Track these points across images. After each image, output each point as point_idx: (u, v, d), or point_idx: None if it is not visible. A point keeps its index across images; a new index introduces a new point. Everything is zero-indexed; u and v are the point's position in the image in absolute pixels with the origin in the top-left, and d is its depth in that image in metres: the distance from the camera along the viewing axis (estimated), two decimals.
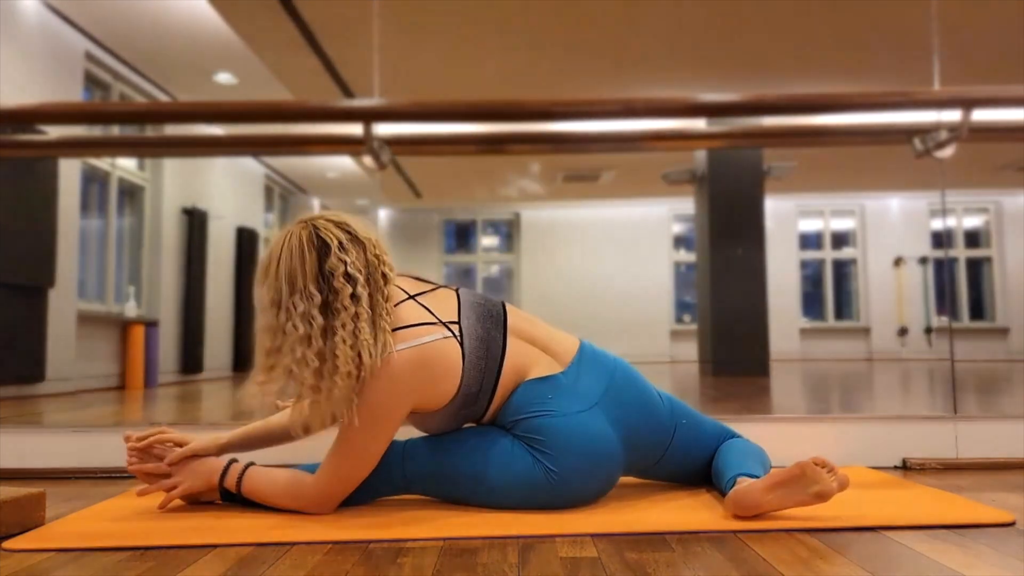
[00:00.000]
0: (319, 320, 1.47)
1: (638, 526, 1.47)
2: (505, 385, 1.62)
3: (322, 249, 1.49)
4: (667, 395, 1.78)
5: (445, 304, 1.63)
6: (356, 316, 1.47)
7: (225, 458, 1.66)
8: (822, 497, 1.46)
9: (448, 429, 1.65)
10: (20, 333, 4.83)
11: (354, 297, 1.48)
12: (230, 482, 1.62)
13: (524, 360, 1.64)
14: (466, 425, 1.68)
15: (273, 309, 1.49)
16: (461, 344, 1.58)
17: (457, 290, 1.69)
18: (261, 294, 1.51)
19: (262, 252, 9.69)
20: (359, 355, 1.46)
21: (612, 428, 1.61)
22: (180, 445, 1.67)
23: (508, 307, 1.70)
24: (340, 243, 1.50)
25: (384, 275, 1.54)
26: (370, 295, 1.50)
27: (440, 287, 1.69)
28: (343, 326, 1.47)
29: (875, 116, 2.69)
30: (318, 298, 1.47)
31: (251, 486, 1.60)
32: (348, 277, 1.49)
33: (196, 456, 1.66)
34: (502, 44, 5.76)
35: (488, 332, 1.62)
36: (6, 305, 4.71)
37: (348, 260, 1.49)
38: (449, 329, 1.58)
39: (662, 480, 1.85)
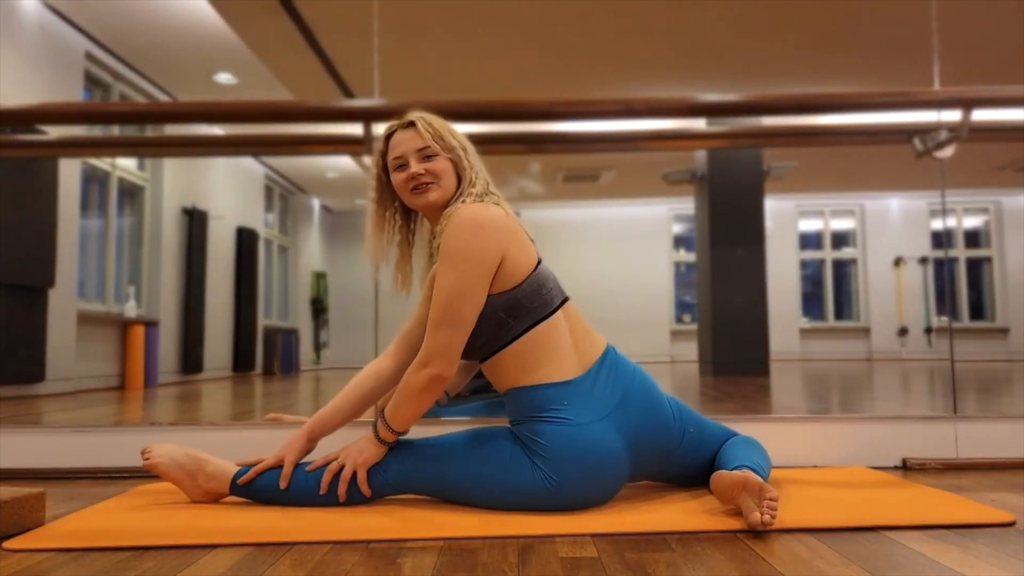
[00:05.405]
0: None
1: (638, 526, 1.47)
2: (527, 344, 1.62)
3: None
4: (675, 401, 1.78)
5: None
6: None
7: (368, 429, 1.69)
8: (751, 522, 1.41)
9: (480, 337, 1.64)
10: (20, 333, 4.83)
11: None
12: (384, 433, 1.65)
13: (555, 340, 1.64)
14: (470, 425, 1.69)
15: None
16: (539, 260, 1.71)
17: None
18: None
19: (262, 249, 9.57)
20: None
21: (621, 438, 1.61)
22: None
23: (568, 301, 1.74)
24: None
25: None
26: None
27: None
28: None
29: (875, 116, 2.69)
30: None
31: (392, 415, 1.63)
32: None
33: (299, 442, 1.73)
34: (502, 44, 5.76)
35: (554, 286, 1.70)
36: (6, 305, 4.71)
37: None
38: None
39: (664, 482, 1.85)
